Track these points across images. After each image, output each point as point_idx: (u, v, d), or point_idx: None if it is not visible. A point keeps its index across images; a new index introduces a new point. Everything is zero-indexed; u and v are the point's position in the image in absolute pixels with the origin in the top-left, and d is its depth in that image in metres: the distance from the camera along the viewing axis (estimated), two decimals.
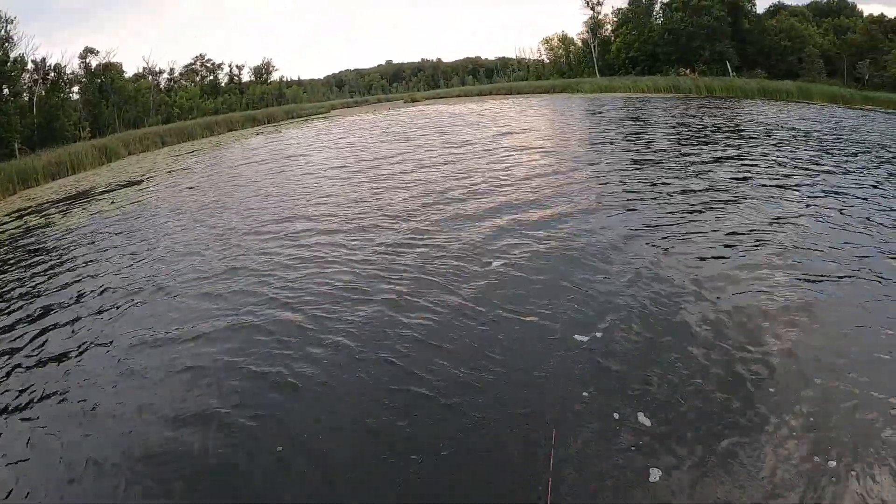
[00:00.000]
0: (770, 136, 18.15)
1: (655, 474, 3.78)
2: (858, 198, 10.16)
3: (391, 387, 4.97)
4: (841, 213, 9.25)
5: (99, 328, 7.10)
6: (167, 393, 5.40)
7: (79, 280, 9.11)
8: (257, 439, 4.54)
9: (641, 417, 4.35)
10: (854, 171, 12.56)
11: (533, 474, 3.85)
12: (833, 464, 3.74)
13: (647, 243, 8.08)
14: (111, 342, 6.62)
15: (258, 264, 8.72)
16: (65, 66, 51.40)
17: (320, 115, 56.86)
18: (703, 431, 4.14)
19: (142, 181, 19.86)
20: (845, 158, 14.08)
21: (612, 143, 17.77)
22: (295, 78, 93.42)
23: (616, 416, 4.39)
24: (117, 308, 7.66)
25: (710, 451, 3.93)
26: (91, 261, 10.15)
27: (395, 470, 3.99)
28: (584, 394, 4.69)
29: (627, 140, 18.28)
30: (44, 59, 48.78)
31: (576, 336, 5.59)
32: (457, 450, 4.17)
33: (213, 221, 12.02)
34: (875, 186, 11.16)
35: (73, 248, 11.30)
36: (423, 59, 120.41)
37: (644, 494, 3.65)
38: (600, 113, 29.73)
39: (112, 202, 15.60)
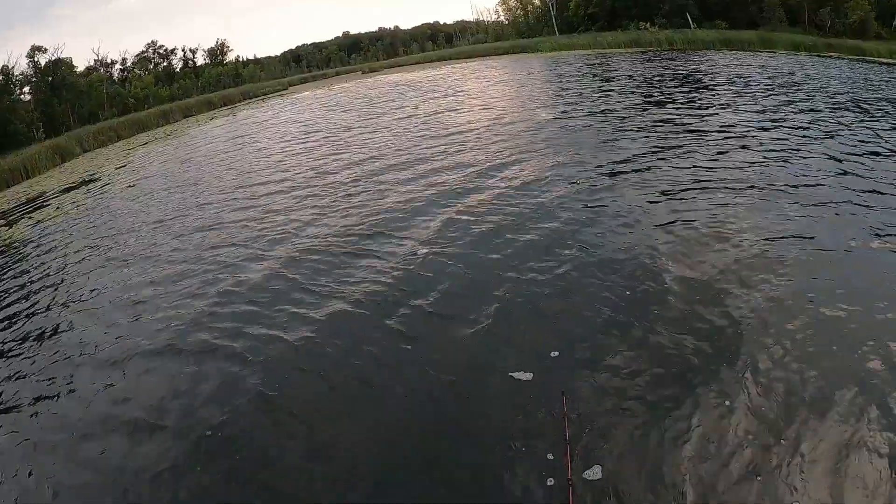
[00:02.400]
0: (729, 85, 18.62)
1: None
2: (816, 139, 10.77)
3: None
4: (797, 152, 9.93)
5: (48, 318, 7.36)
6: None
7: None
8: (236, 381, 5.23)
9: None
10: (808, 112, 13.26)
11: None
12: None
13: (606, 210, 8.09)
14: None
15: (209, 238, 9.45)
16: (12, 68, 50.44)
17: (277, 94, 56.30)
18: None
19: (90, 181, 19.88)
20: (800, 102, 14.68)
21: (567, 105, 17.99)
22: (251, 56, 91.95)
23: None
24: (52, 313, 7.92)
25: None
26: (27, 271, 10.37)
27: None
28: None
29: (585, 99, 18.53)
30: None
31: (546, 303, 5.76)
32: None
33: (153, 217, 12.19)
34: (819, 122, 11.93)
35: (12, 262, 11.47)
36: (380, 28, 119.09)
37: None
38: (558, 72, 29.90)
39: (57, 208, 15.70)
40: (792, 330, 4.77)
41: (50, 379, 6.03)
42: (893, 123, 11.84)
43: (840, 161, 9.21)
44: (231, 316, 6.47)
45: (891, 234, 6.37)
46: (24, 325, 7.81)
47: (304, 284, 6.92)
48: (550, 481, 3.60)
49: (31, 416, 5.44)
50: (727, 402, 4.04)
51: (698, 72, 23.28)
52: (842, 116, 12.75)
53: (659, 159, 10.16)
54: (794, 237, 6.47)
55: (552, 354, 4.88)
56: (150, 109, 49.32)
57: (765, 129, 11.86)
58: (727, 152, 10.26)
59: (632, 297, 5.57)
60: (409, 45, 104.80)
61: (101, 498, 4.16)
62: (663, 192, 8.39)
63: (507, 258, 6.76)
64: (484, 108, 18.73)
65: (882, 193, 7.68)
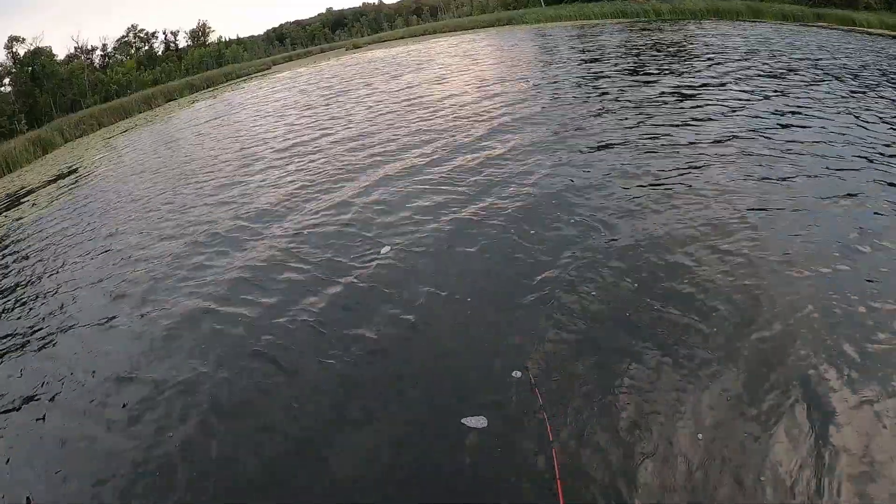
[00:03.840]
0: (717, 56, 18.27)
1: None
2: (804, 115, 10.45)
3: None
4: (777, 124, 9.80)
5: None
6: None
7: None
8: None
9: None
10: (780, 79, 13.31)
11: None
12: None
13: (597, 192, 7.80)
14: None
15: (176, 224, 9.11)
16: None
17: (259, 74, 55.70)
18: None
19: (68, 174, 19.67)
20: (785, 74, 14.55)
21: (553, 78, 17.81)
22: (234, 37, 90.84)
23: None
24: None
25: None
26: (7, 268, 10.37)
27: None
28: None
29: (572, 73, 18.17)
30: None
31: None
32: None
33: (130, 203, 12.13)
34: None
35: None
36: (364, 4, 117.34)
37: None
38: (543, 44, 29.49)
39: (33, 204, 15.57)
40: (817, 334, 4.39)
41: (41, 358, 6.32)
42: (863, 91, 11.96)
43: (819, 128, 9.29)
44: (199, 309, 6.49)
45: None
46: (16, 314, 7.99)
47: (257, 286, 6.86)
48: None
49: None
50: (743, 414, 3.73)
51: (692, 45, 22.84)
52: (819, 85, 12.84)
53: (638, 134, 10.03)
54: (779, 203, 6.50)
55: (514, 374, 4.30)
56: (133, 95, 48.83)
57: (736, 97, 11.93)
58: (703, 120, 10.29)
59: (613, 291, 5.24)
60: (394, 20, 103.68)
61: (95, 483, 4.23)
62: (642, 172, 8.20)
63: (460, 251, 6.54)
64: (464, 83, 18.56)
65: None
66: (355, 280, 6.33)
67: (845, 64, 15.65)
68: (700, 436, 3.60)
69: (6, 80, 52.14)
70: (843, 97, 11.44)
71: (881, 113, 10.13)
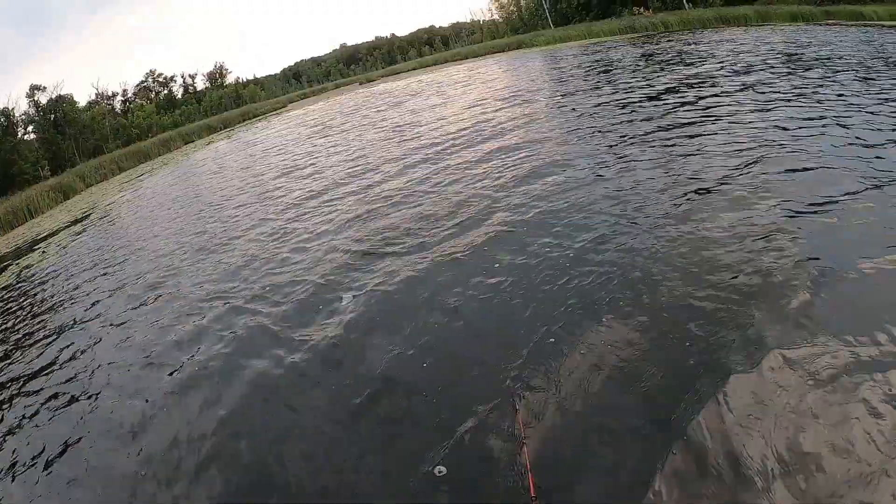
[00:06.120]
0: (725, 62, 18.04)
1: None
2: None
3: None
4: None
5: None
6: None
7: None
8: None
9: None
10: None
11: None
12: None
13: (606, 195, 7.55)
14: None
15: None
16: (13, 109, 51.36)
17: (274, 112, 56.53)
18: None
19: (80, 220, 19.98)
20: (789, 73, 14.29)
21: (565, 96, 17.47)
22: (251, 77, 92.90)
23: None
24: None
25: None
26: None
27: None
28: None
29: (582, 91, 17.71)
30: None
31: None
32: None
33: (139, 245, 12.01)
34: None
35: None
36: (376, 38, 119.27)
37: None
38: (555, 65, 29.43)
39: (43, 252, 15.75)
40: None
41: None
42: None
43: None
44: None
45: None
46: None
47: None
48: None
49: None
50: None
51: (698, 53, 22.19)
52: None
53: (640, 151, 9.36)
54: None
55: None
56: (152, 138, 49.91)
57: (754, 99, 11.38)
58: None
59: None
60: (407, 52, 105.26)
61: None
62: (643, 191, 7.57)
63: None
64: (472, 109, 18.43)
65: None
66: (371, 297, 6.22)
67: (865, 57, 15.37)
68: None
69: (29, 128, 53.64)
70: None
71: None
